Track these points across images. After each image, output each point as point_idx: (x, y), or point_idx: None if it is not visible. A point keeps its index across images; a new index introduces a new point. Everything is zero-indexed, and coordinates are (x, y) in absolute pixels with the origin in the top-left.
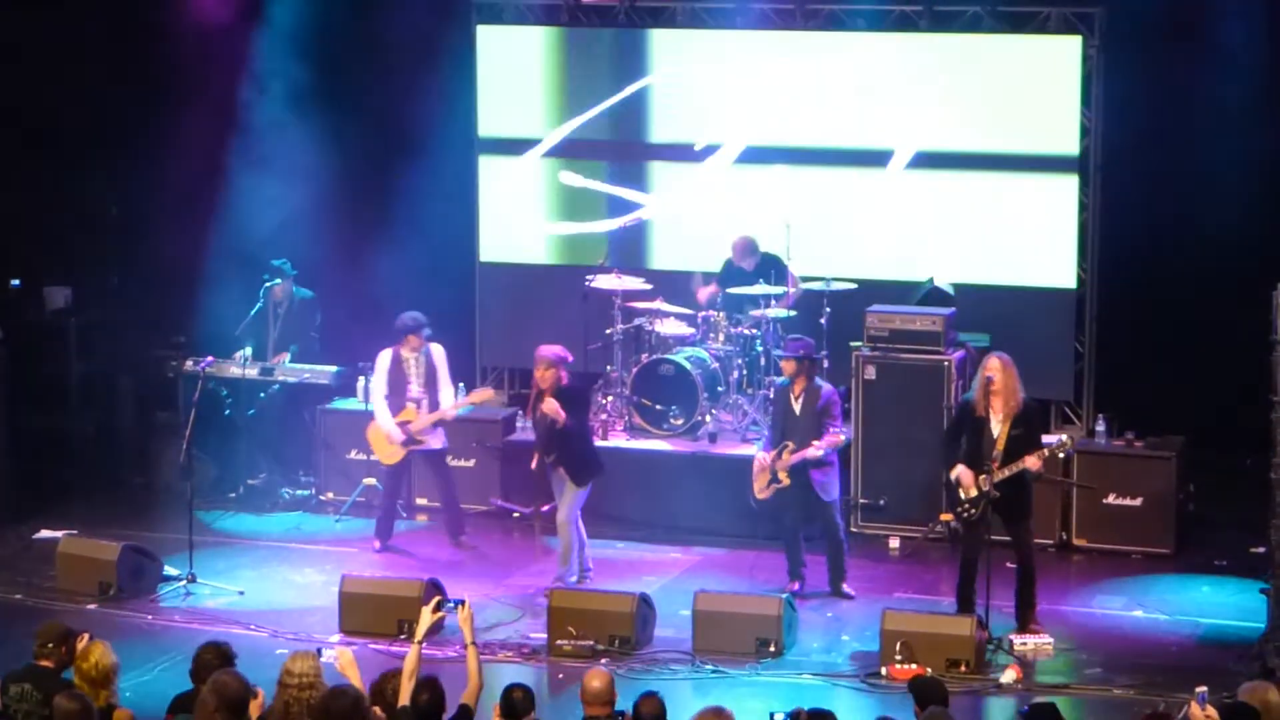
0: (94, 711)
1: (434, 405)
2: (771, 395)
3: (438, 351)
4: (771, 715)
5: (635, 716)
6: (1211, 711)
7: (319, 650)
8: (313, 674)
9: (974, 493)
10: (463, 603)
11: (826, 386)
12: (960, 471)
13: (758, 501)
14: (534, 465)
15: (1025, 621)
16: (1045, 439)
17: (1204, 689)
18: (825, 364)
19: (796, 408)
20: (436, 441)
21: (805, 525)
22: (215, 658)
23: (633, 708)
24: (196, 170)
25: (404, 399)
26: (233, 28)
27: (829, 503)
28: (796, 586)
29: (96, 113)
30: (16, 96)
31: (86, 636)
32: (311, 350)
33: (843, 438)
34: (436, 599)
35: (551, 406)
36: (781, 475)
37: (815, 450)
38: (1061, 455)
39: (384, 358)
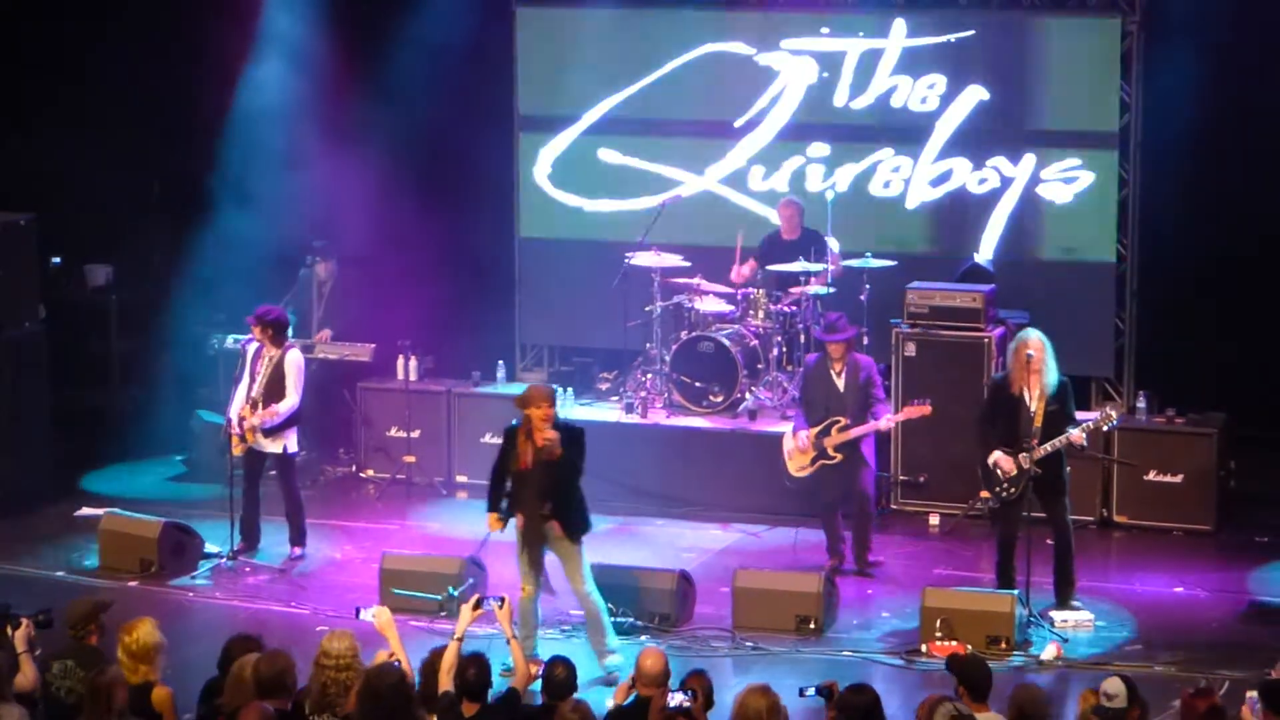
0: (115, 692)
1: None
2: (806, 372)
3: (291, 361)
4: (801, 690)
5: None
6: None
7: (356, 610)
8: (350, 654)
9: (1013, 471)
10: (502, 600)
11: (864, 357)
12: (999, 457)
13: (793, 480)
14: (497, 526)
15: (1065, 598)
16: (1084, 415)
17: (1255, 695)
18: (865, 340)
19: (840, 383)
20: (274, 445)
21: (844, 502)
22: (244, 651)
23: (679, 685)
24: (237, 149)
25: (247, 397)
26: (269, 7)
27: (874, 476)
28: (834, 562)
29: (138, 90)
30: (59, 74)
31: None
32: (354, 329)
33: (929, 408)
34: (476, 597)
35: (552, 437)
36: (832, 452)
37: (888, 423)
38: (1106, 428)
39: (251, 346)
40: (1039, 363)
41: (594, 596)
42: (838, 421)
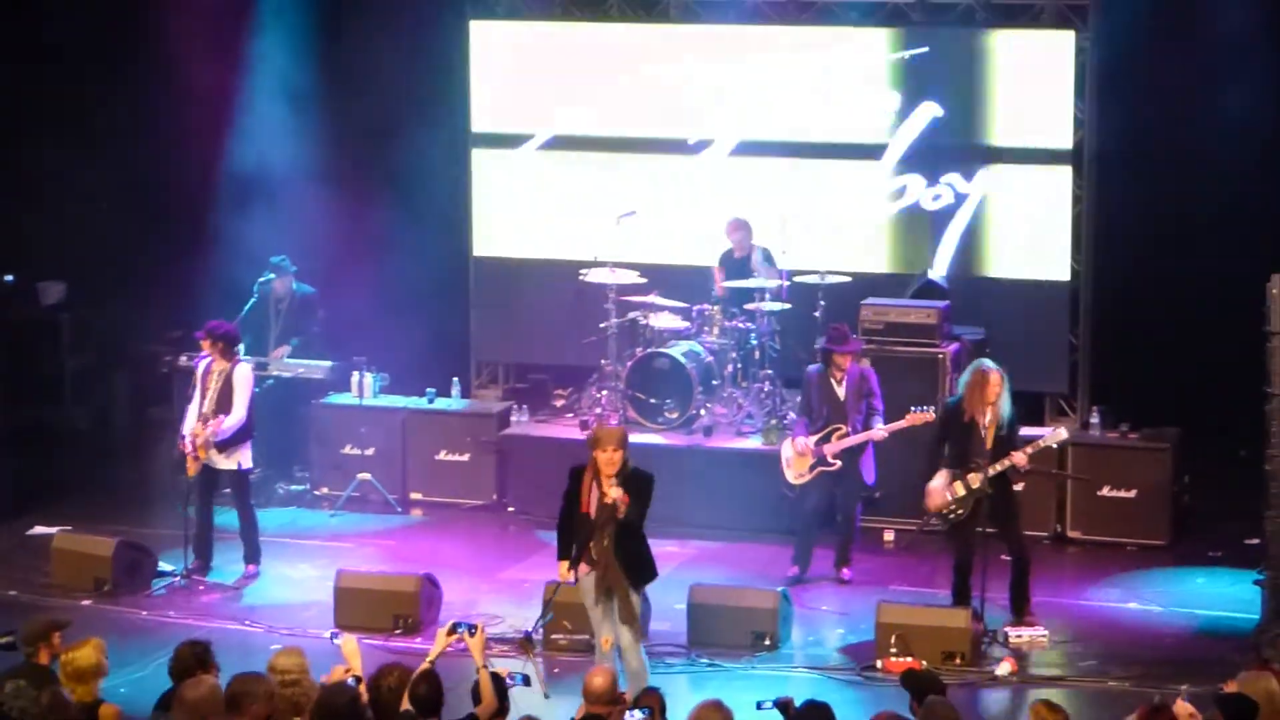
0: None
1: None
2: (808, 381)
3: (240, 375)
4: (759, 704)
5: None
6: (1192, 709)
7: (332, 636)
8: (297, 670)
9: (962, 493)
10: (475, 628)
11: (866, 367)
12: (931, 488)
13: (792, 488)
14: (569, 576)
15: (1020, 614)
16: (1035, 432)
17: (1187, 688)
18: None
19: (841, 391)
20: (228, 462)
21: (826, 513)
22: (193, 656)
23: (633, 703)
24: (191, 166)
25: (199, 413)
26: (224, 22)
27: (868, 486)
28: (796, 570)
29: (89, 108)
30: (15, 93)
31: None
32: (313, 346)
33: (930, 414)
34: (451, 623)
35: (618, 493)
36: (832, 459)
37: (882, 432)
38: (1055, 445)
39: (204, 363)
40: (995, 395)
41: (641, 653)
42: (838, 429)
